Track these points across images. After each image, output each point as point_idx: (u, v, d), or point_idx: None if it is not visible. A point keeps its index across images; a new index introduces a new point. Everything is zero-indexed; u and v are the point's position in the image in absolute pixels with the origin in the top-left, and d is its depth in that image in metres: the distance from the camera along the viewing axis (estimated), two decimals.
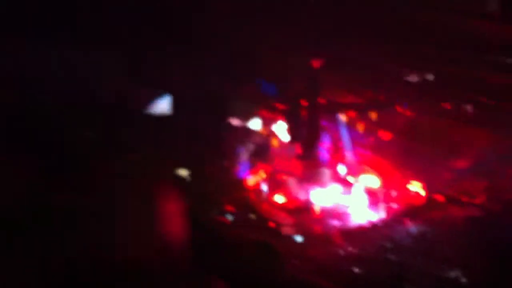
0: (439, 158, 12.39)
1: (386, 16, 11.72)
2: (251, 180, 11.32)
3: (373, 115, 13.13)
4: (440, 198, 11.00)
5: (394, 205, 10.70)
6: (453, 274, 8.15)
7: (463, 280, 7.96)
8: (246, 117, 11.80)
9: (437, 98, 12.82)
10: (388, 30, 11.02)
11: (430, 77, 12.76)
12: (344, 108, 12.23)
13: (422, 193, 11.04)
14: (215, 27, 10.66)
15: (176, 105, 11.40)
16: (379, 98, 12.57)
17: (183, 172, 11.06)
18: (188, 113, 11.24)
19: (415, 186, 11.12)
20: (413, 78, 12.81)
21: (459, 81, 12.62)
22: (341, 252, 9.17)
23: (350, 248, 9.32)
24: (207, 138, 11.26)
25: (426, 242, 9.40)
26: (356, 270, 8.41)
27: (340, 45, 11.14)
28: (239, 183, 11.23)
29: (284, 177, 11.71)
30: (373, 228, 9.98)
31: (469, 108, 13.02)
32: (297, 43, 10.82)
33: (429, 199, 10.94)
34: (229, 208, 10.28)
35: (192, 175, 10.99)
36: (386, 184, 11.63)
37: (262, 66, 11.26)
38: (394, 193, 10.96)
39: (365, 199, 10.90)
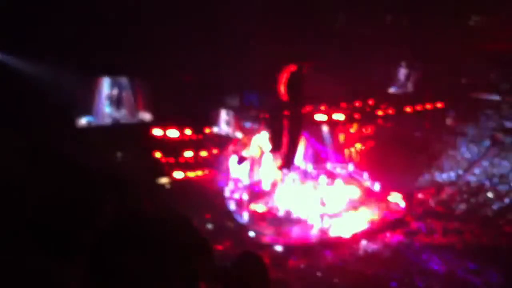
0: (420, 169, 12.51)
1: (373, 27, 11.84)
2: (232, 189, 11.25)
3: (355, 127, 13.21)
4: (419, 209, 11.06)
5: (374, 216, 10.70)
6: (429, 285, 8.18)
7: None
8: (229, 126, 11.76)
9: (418, 110, 13.02)
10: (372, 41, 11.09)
11: (410, 88, 12.90)
12: (327, 119, 12.23)
13: (402, 204, 11.08)
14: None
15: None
16: (361, 109, 12.63)
17: (164, 180, 11.00)
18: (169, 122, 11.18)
19: (395, 197, 11.16)
20: (395, 89, 12.95)
21: (439, 91, 12.82)
22: (321, 262, 9.14)
23: (330, 259, 9.30)
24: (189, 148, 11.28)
25: (404, 253, 9.43)
26: (336, 280, 8.39)
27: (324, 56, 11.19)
28: (220, 192, 11.15)
29: (265, 186, 11.69)
30: (354, 239, 9.96)
31: (449, 120, 13.20)
32: (281, 54, 10.79)
33: (409, 210, 10.99)
34: (208, 216, 10.18)
35: (171, 182, 10.94)
36: (366, 195, 11.68)
37: (245, 76, 11.19)
38: (374, 204, 10.98)
39: (345, 209, 10.91)
